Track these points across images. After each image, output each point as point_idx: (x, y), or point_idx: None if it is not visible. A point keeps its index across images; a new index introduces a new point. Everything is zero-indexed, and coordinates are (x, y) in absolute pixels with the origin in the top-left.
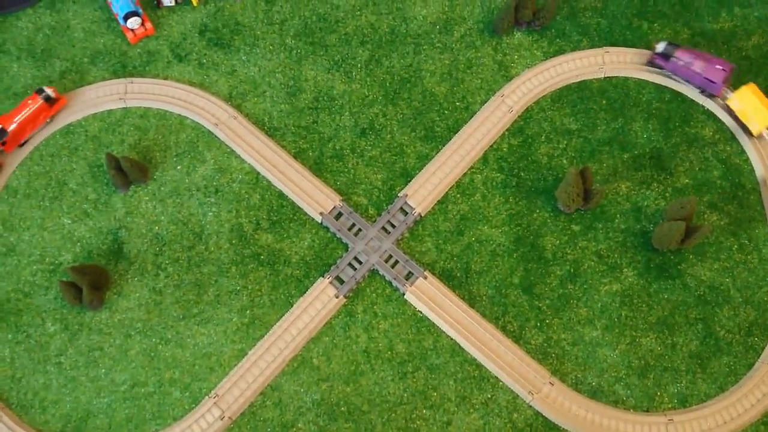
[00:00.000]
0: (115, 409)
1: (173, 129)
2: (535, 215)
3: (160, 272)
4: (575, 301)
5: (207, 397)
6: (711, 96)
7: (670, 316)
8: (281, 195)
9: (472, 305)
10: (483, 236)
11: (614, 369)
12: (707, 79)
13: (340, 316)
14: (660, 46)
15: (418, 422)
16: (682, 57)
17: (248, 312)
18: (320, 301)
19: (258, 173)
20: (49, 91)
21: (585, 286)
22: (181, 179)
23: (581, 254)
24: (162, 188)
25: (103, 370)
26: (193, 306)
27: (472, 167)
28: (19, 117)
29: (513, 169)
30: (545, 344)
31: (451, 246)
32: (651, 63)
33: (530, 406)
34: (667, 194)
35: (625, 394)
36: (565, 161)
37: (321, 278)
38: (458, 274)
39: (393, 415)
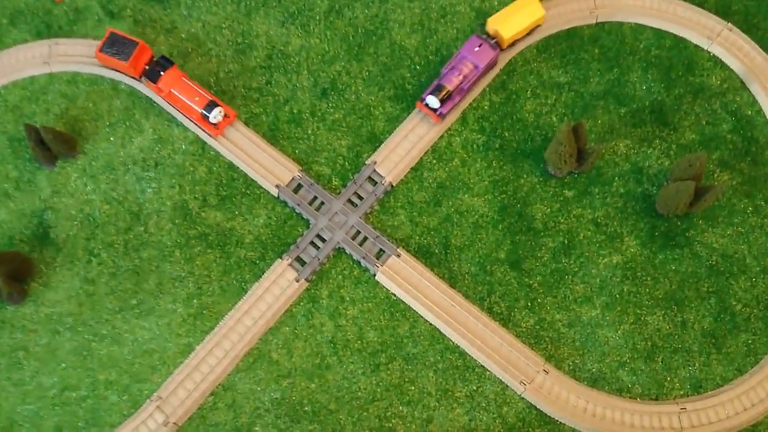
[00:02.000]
0: (42, 416)
1: (105, 95)
2: (522, 181)
3: (92, 259)
4: (570, 277)
5: (149, 400)
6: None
7: (679, 290)
8: (231, 166)
9: (453, 285)
10: (463, 206)
11: (617, 352)
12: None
13: (301, 303)
14: (431, 101)
15: (393, 420)
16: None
17: (195, 301)
18: (279, 286)
19: (204, 142)
20: None
21: (581, 260)
22: (116, 152)
23: (576, 223)
24: (93, 163)
25: (29, 373)
26: (131, 297)
27: (449, 129)
28: None
29: (495, 129)
30: (537, 327)
31: (428, 218)
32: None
33: (522, 398)
34: (671, 152)
35: (631, 381)
36: (554, 119)
37: (279, 260)
38: (436, 251)
39: (365, 413)
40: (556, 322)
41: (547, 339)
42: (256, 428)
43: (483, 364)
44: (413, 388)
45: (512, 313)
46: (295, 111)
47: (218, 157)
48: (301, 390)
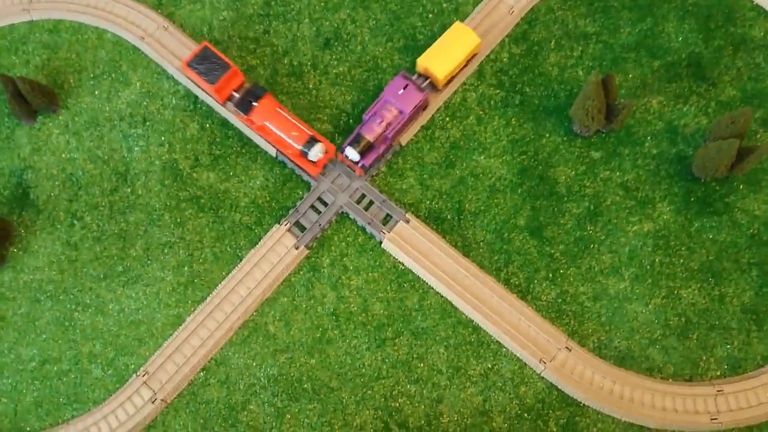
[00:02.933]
0: (21, 391)
1: (90, 45)
2: (544, 140)
3: (75, 222)
4: (596, 246)
5: (135, 375)
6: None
7: (717, 262)
8: (225, 123)
9: (466, 254)
10: (479, 168)
11: (647, 329)
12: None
13: (301, 272)
14: (349, 153)
15: (400, 400)
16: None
17: (186, 269)
18: (276, 253)
19: (196, 97)
20: None
21: (608, 227)
22: (101, 107)
23: (603, 187)
24: (76, 118)
25: (6, 344)
26: (116, 263)
27: (464, 83)
28: None
29: (515, 83)
30: (559, 300)
31: (440, 181)
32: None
33: (542, 378)
34: (710, 110)
35: (662, 360)
36: (580, 72)
37: (277, 225)
38: (449, 216)
39: (369, 391)
40: (580, 295)
41: (569, 313)
42: (251, 406)
43: (499, 340)
44: (422, 365)
45: (532, 285)
46: (295, 63)
47: (212, 113)
48: (300, 366)
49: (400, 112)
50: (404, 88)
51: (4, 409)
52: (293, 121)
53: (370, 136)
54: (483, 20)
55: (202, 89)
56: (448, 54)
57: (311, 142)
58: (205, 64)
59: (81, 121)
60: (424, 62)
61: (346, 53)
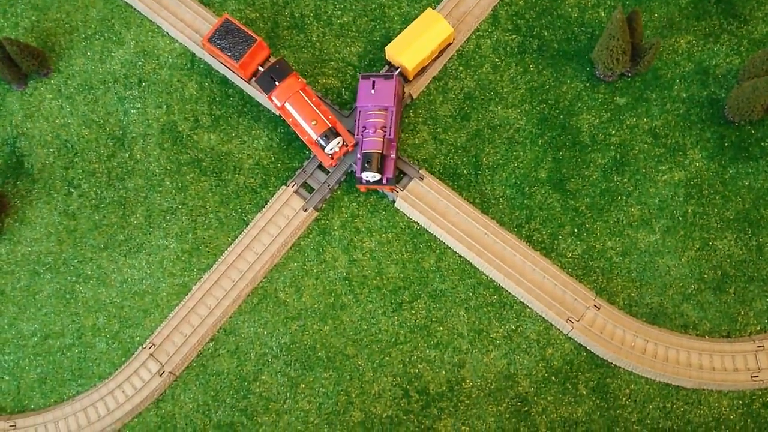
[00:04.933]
0: (23, 367)
1: (80, 5)
2: (565, 87)
3: (72, 190)
4: (624, 198)
5: (141, 347)
6: None
7: (754, 210)
8: (225, 81)
9: (485, 211)
10: (496, 119)
11: (680, 283)
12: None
13: (311, 235)
14: (369, 176)
15: (420, 366)
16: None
17: (190, 236)
18: (284, 216)
19: (193, 54)
20: None
21: (637, 177)
22: (94, 69)
23: (630, 135)
24: (69, 82)
25: (6, 319)
26: (117, 232)
27: (477, 29)
28: None
29: (532, 27)
30: (586, 256)
31: (454, 135)
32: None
33: (569, 338)
34: (742, 49)
35: (697, 316)
36: (602, 13)
37: (283, 187)
38: (465, 172)
39: (386, 358)
40: (608, 250)
41: (597, 270)
42: (263, 377)
43: (522, 300)
44: (441, 328)
45: (556, 242)
46: (296, 14)
47: (210, 71)
48: (312, 333)
49: (386, 109)
50: (373, 87)
51: (7, 386)
52: (315, 108)
53: (376, 150)
54: None
55: (227, 67)
56: (418, 44)
57: (330, 134)
58: (227, 38)
59: (74, 85)
60: (392, 52)
61: (350, 2)
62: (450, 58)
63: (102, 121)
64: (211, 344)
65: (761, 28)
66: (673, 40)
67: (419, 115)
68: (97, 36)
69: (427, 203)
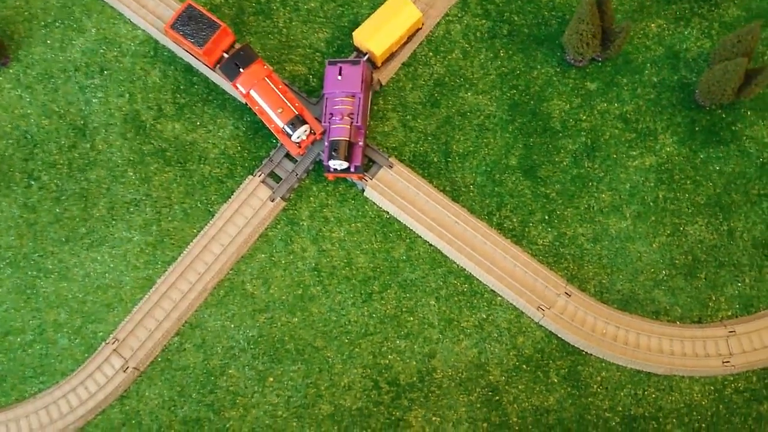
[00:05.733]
0: None
1: None
2: (535, 72)
3: (32, 183)
4: (595, 184)
5: (104, 343)
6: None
7: (725, 194)
8: (189, 69)
9: (455, 199)
10: (466, 106)
11: (652, 269)
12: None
13: (278, 226)
14: (336, 164)
15: (390, 356)
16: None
17: (154, 228)
18: (250, 206)
19: (156, 41)
20: None
21: (607, 163)
22: (54, 57)
23: (600, 120)
24: (28, 71)
25: None
26: (79, 225)
27: (447, 14)
28: None
29: (502, 12)
30: (557, 243)
31: (424, 122)
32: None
33: (540, 326)
34: (713, 32)
35: (669, 302)
36: None
37: (250, 176)
38: (435, 159)
39: (356, 349)
40: (579, 236)
41: (568, 257)
42: (230, 371)
43: (493, 288)
44: (412, 318)
45: (527, 229)
46: (262, 0)
47: (174, 59)
48: (281, 326)
49: (353, 95)
50: (340, 73)
51: None
52: (281, 96)
53: (343, 137)
54: None
55: (191, 54)
56: (385, 29)
57: (297, 121)
58: (190, 24)
59: (33, 74)
60: (360, 37)
61: None
62: (419, 44)
63: (63, 111)
64: (176, 338)
65: (732, 11)
66: (644, 24)
67: (388, 102)
68: (57, 24)
69: (397, 191)
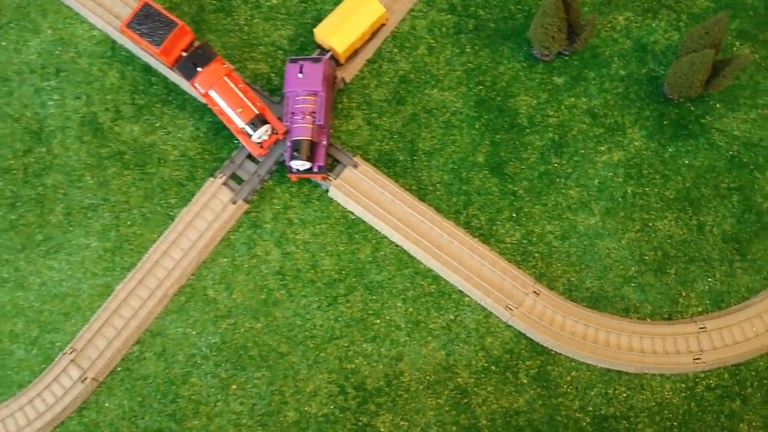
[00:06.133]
0: None
1: None
2: (502, 68)
3: None
4: (563, 180)
5: (62, 353)
6: None
7: (694, 188)
8: (148, 69)
9: (422, 198)
10: (432, 103)
11: (621, 266)
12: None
13: (241, 229)
14: (298, 165)
15: (356, 361)
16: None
17: (113, 233)
18: (211, 210)
19: (114, 41)
20: None
21: (575, 159)
22: (8, 59)
23: (568, 115)
24: None
25: None
26: (35, 231)
27: (411, 9)
28: None
29: (468, 7)
30: (525, 241)
31: (389, 120)
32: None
33: (508, 326)
34: (681, 24)
35: (638, 299)
36: None
37: (211, 178)
38: (401, 158)
39: (322, 354)
40: (547, 234)
41: (536, 255)
42: (192, 379)
43: (461, 288)
44: (379, 321)
45: (494, 227)
46: None
47: (132, 59)
48: (244, 332)
49: (315, 93)
50: (300, 71)
51: None
52: (241, 95)
53: (305, 137)
54: None
55: (150, 53)
56: (348, 25)
57: (257, 121)
58: (147, 23)
59: None
60: (321, 34)
61: None
62: (384, 40)
63: (17, 115)
64: (136, 347)
65: (700, 2)
66: (611, 16)
67: (353, 100)
68: (12, 24)
69: (362, 191)
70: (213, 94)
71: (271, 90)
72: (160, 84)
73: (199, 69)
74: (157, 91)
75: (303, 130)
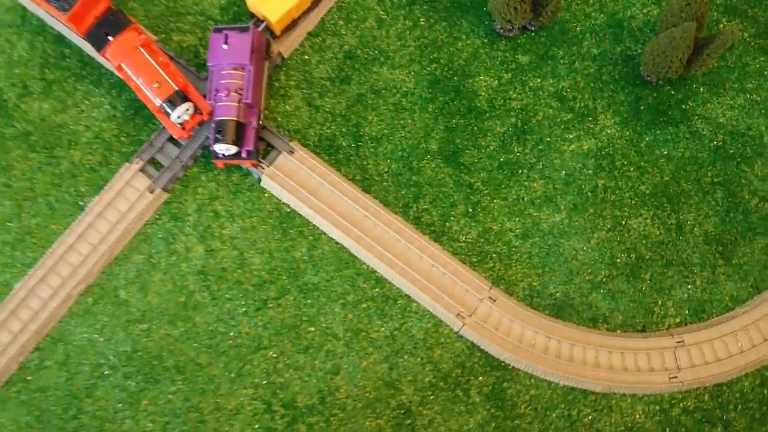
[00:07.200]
0: None
1: None
2: (460, 44)
3: None
4: (526, 171)
5: None
6: None
7: (673, 183)
8: (61, 40)
9: (367, 189)
10: (381, 82)
11: (589, 269)
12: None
13: (159, 221)
14: (223, 149)
15: (286, 374)
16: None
17: (13, 225)
18: (126, 199)
19: (24, 8)
20: None
21: (540, 147)
22: None
23: (533, 99)
24: None
25: None
26: None
27: None
28: None
29: None
30: (482, 240)
31: (333, 101)
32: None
33: (460, 337)
34: None
35: (608, 308)
36: None
37: (127, 164)
38: (344, 143)
39: (247, 366)
40: (507, 232)
41: (494, 255)
42: (98, 392)
43: (408, 293)
44: (313, 329)
45: (448, 223)
46: None
47: (44, 28)
48: (159, 339)
49: (242, 67)
50: (226, 41)
51: None
52: (158, 67)
53: (230, 116)
54: None
55: (62, 22)
56: None
57: (176, 98)
58: None
59: None
60: (253, 1)
61: None
62: (328, 11)
63: None
64: (35, 354)
65: None
66: None
67: (291, 78)
68: None
69: (298, 181)
70: (126, 67)
71: (198, 65)
72: (74, 57)
73: (110, 38)
74: (71, 65)
75: (228, 109)
